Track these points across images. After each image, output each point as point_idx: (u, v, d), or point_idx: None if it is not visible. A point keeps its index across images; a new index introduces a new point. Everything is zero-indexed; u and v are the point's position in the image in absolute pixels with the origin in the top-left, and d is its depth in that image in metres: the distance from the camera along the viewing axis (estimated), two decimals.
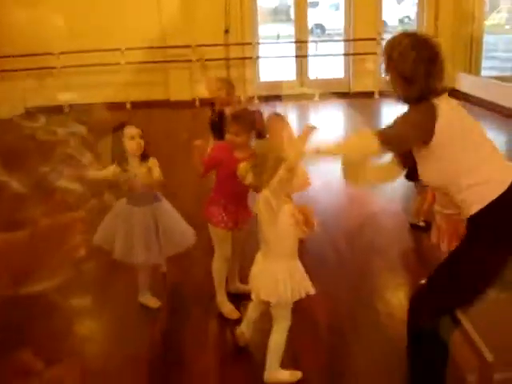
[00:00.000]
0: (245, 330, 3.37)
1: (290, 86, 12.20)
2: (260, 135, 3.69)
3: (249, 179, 3.06)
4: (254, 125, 3.59)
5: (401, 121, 2.61)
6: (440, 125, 2.50)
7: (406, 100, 2.68)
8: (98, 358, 3.55)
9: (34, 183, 4.01)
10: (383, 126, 2.68)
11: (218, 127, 4.59)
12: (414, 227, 5.13)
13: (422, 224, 5.08)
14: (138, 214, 3.73)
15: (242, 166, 3.13)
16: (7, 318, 3.84)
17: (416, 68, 2.55)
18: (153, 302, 3.98)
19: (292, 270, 3.04)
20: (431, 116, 2.51)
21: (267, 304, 3.11)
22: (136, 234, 3.71)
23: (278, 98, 11.28)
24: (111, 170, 3.68)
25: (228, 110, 4.52)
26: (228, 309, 3.81)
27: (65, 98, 11.35)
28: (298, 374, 3.14)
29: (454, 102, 2.65)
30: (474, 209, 2.52)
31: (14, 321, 3.84)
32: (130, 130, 3.63)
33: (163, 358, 3.45)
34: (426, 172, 2.69)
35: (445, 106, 2.54)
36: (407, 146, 2.67)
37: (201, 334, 3.66)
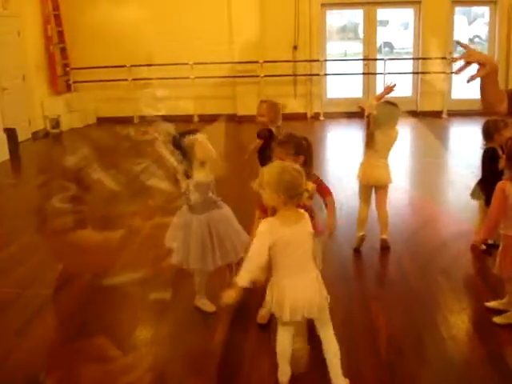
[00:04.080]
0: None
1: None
2: (306, 162, 3.53)
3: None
4: (300, 150, 3.51)
5: None
6: None
7: None
8: (161, 355, 3.62)
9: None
10: None
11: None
12: (475, 248, 4.91)
13: (482, 247, 4.87)
14: (195, 222, 3.87)
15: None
16: (88, 304, 4.24)
17: None
18: (208, 307, 4.06)
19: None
20: None
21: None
22: (192, 242, 3.84)
23: (344, 114, 11.25)
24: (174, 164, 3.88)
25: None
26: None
27: (135, 109, 11.67)
28: None
29: None
30: None
31: (93, 308, 4.19)
32: (202, 138, 3.82)
33: (222, 363, 3.50)
34: None
35: None
36: None
37: (260, 341, 3.69)
